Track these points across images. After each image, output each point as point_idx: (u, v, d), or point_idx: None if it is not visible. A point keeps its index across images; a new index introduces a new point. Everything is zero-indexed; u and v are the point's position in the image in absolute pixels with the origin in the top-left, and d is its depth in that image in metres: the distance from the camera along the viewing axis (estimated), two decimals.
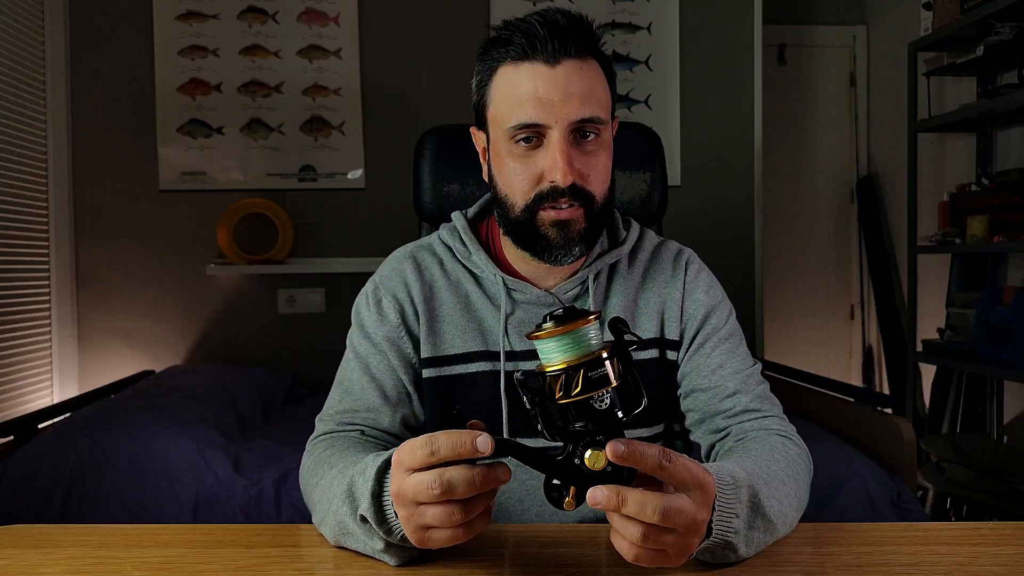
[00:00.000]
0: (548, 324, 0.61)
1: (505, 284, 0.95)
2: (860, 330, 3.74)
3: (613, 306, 0.97)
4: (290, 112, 2.81)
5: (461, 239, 0.99)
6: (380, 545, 0.70)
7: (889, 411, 1.98)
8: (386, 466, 0.69)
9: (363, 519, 0.69)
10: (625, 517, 0.60)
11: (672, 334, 0.98)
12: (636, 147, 1.33)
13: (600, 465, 0.60)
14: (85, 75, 2.76)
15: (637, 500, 0.59)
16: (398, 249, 1.03)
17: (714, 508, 0.65)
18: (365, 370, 0.95)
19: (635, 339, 0.65)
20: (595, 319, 0.62)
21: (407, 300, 0.96)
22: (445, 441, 0.61)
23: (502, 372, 0.94)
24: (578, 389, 0.60)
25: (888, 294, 3.51)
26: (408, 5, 2.84)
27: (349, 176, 2.84)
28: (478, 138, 0.97)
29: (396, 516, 0.66)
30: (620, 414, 0.62)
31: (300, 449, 0.94)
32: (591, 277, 0.96)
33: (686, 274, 1.00)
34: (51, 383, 2.69)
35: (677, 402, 0.99)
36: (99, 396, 2.25)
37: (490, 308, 0.96)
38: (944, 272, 2.95)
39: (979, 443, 2.58)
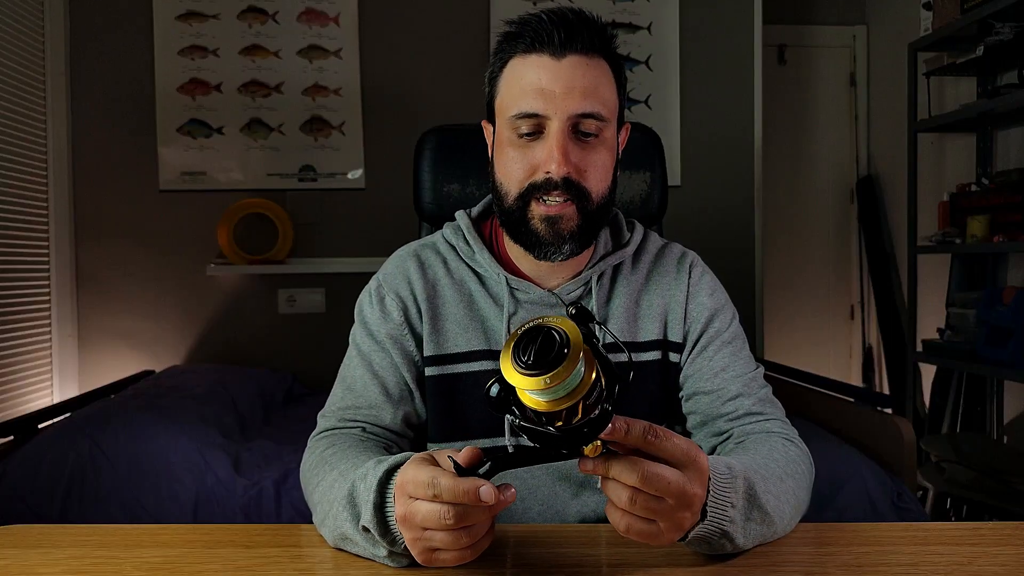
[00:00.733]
0: (526, 373, 0.54)
1: (508, 284, 0.95)
2: (860, 330, 3.74)
3: (616, 307, 0.97)
4: (290, 112, 2.81)
5: (465, 238, 0.99)
6: (383, 552, 0.70)
7: (889, 411, 1.98)
8: (387, 476, 0.69)
9: (365, 529, 0.69)
10: (614, 482, 0.62)
11: (675, 336, 0.98)
12: (636, 147, 1.33)
13: (598, 452, 0.61)
14: (85, 75, 2.76)
15: (621, 463, 0.61)
16: (402, 247, 1.03)
17: (709, 491, 0.66)
18: (368, 367, 0.95)
19: (597, 329, 0.63)
20: (579, 357, 0.55)
21: (410, 298, 0.96)
22: (447, 487, 0.61)
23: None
24: (579, 417, 0.58)
25: (888, 294, 3.51)
26: (408, 5, 2.84)
27: (349, 176, 2.84)
28: (488, 131, 0.98)
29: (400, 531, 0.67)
30: (609, 407, 0.60)
31: (300, 449, 0.94)
32: (594, 278, 0.96)
33: (690, 277, 1.00)
34: (51, 383, 2.69)
35: (679, 404, 0.99)
36: (99, 396, 2.25)
37: (493, 307, 0.96)
38: (944, 272, 2.95)
39: (979, 443, 2.58)
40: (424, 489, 0.62)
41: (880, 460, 1.80)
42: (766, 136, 3.07)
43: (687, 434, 1.02)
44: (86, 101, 2.77)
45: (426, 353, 0.95)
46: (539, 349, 0.55)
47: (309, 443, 0.92)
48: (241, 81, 2.80)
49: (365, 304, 0.98)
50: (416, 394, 0.96)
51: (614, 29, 2.81)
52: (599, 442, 0.60)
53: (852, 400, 2.04)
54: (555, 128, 0.86)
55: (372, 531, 0.68)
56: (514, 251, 0.97)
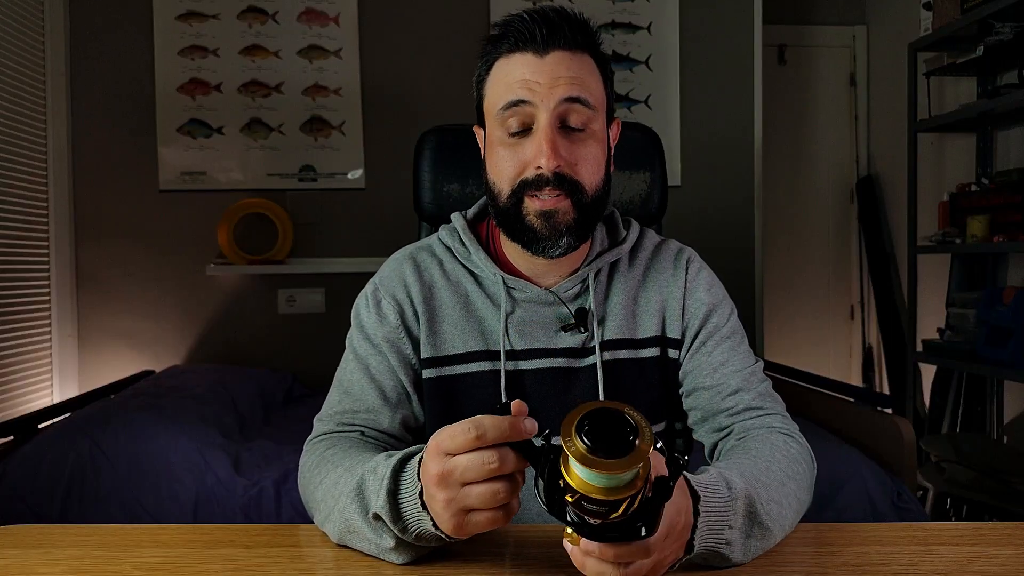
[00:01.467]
0: (583, 443, 0.52)
1: (505, 283, 0.95)
2: (860, 330, 3.74)
3: (613, 304, 0.97)
4: (290, 112, 2.81)
5: (460, 239, 0.99)
6: (390, 543, 0.70)
7: (889, 411, 1.98)
8: (401, 465, 0.69)
9: (376, 517, 0.69)
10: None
11: (673, 333, 0.98)
12: (636, 147, 1.33)
13: (576, 544, 0.58)
14: (85, 75, 2.76)
15: (595, 569, 0.59)
16: (398, 251, 1.03)
17: (696, 528, 0.65)
18: (365, 371, 0.95)
19: (678, 476, 0.58)
20: (637, 467, 0.53)
21: (407, 301, 0.96)
22: (491, 423, 0.60)
23: (503, 371, 0.93)
24: (577, 507, 0.55)
25: (888, 294, 3.51)
26: (408, 5, 2.84)
27: (349, 176, 2.84)
28: (479, 136, 0.98)
29: (415, 513, 0.67)
30: (603, 533, 0.56)
31: (300, 449, 0.94)
32: (591, 275, 0.96)
33: (687, 273, 0.99)
34: (51, 383, 2.69)
35: (678, 401, 0.99)
36: (99, 396, 2.25)
37: (490, 307, 0.96)
38: (944, 272, 2.95)
39: (979, 443, 2.58)
40: (464, 435, 0.60)
41: (880, 460, 1.80)
42: (766, 136, 3.07)
43: (687, 431, 1.02)
44: (86, 101, 2.77)
45: (423, 355, 0.95)
46: (612, 427, 0.53)
47: (306, 447, 0.92)
48: (241, 81, 2.80)
49: (361, 308, 0.98)
50: (414, 397, 0.96)
51: (613, 29, 2.86)
52: (576, 535, 0.57)
53: (852, 400, 2.04)
54: (543, 121, 0.86)
55: (384, 518, 0.68)
56: (510, 250, 0.97)
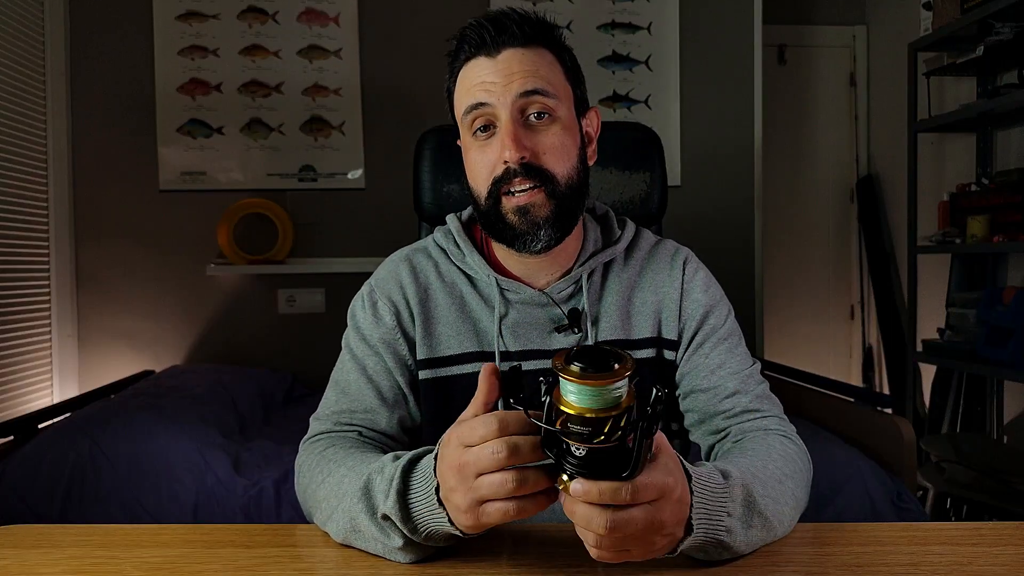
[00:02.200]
0: (575, 366, 0.58)
1: (499, 285, 0.95)
2: (860, 330, 3.74)
3: (607, 305, 0.97)
4: (290, 112, 2.81)
5: (455, 241, 0.99)
6: (398, 543, 0.70)
7: (889, 411, 1.98)
8: (410, 466, 0.70)
9: (385, 518, 0.69)
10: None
11: (670, 334, 0.97)
12: (636, 147, 1.33)
13: (568, 492, 0.60)
14: (85, 75, 2.76)
15: (584, 513, 0.60)
16: (394, 253, 1.03)
17: (693, 506, 0.65)
18: (362, 372, 0.95)
19: (659, 411, 0.61)
20: (621, 379, 0.58)
21: (403, 302, 0.96)
22: (500, 416, 0.62)
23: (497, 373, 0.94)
24: (564, 432, 0.59)
25: (888, 294, 3.51)
26: (408, 5, 2.84)
27: (349, 176, 2.84)
28: (461, 146, 0.99)
29: (428, 512, 0.67)
30: (590, 469, 0.59)
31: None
32: (584, 276, 0.96)
33: (684, 273, 0.99)
34: (51, 383, 2.69)
35: (675, 402, 0.99)
36: (99, 396, 2.25)
37: (484, 309, 0.96)
38: (944, 272, 2.95)
39: (979, 443, 2.58)
40: (485, 427, 0.62)
41: (880, 460, 1.80)
42: (766, 136, 3.07)
43: (684, 432, 1.02)
44: (86, 101, 2.77)
45: (419, 356, 0.95)
46: (596, 355, 0.59)
47: (302, 446, 0.92)
48: (241, 81, 2.80)
49: (358, 309, 0.99)
50: (410, 398, 0.96)
51: (613, 29, 2.86)
52: (568, 479, 0.60)
53: (852, 400, 2.04)
54: (504, 118, 0.88)
55: (393, 518, 0.68)
56: (502, 252, 0.97)
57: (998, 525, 0.81)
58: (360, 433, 0.92)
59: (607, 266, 0.99)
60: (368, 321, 0.96)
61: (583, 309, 0.95)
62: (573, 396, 0.58)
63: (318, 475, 0.83)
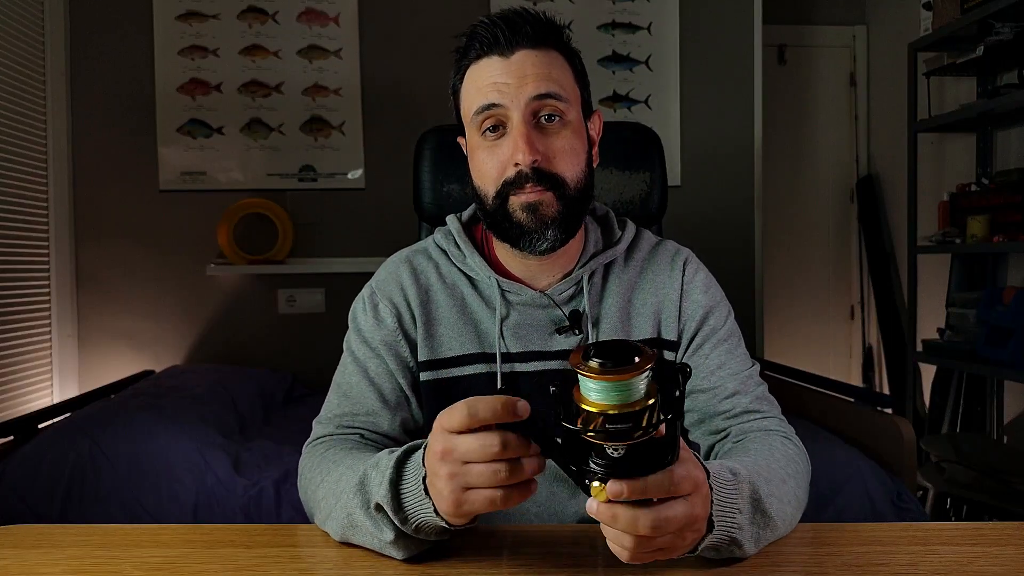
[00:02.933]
0: (594, 362, 0.56)
1: (500, 286, 0.95)
2: (860, 330, 3.74)
3: (608, 306, 0.97)
4: (290, 112, 2.81)
5: (455, 242, 0.99)
6: (390, 536, 0.70)
7: (889, 411, 1.98)
8: (405, 456, 0.70)
9: (378, 508, 0.70)
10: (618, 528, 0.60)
11: (669, 335, 0.97)
12: (636, 147, 1.33)
13: (603, 498, 0.58)
14: (85, 75, 2.76)
15: (628, 513, 0.58)
16: (394, 254, 1.03)
17: (713, 502, 0.65)
18: (363, 374, 0.95)
19: (684, 392, 0.60)
20: (647, 370, 0.55)
21: (403, 304, 0.96)
22: (484, 406, 0.62)
23: (499, 374, 0.93)
24: (601, 433, 0.56)
25: (888, 294, 3.51)
26: (408, 5, 2.84)
27: (349, 176, 2.84)
28: (463, 144, 0.99)
29: (416, 501, 0.67)
30: (629, 468, 0.58)
31: (300, 449, 0.94)
32: (585, 277, 0.96)
33: (684, 274, 0.99)
34: (51, 383, 2.69)
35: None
36: (99, 396, 2.25)
37: (485, 311, 0.96)
38: (944, 272, 2.95)
39: (979, 443, 2.58)
40: (459, 412, 0.62)
41: (880, 460, 1.80)
42: (766, 136, 3.07)
43: (684, 432, 1.02)
44: (86, 101, 2.77)
45: (420, 358, 0.95)
46: (615, 349, 0.57)
47: (305, 449, 0.92)
48: (241, 81, 2.80)
49: (359, 311, 0.98)
50: (413, 400, 0.96)
51: (614, 29, 2.86)
52: (602, 486, 0.58)
53: (852, 400, 2.04)
54: (516, 120, 0.87)
55: (385, 507, 0.68)
56: (503, 253, 0.97)
57: (998, 525, 0.81)
58: (362, 436, 0.92)
59: (608, 267, 0.99)
60: (369, 323, 0.96)
61: (584, 310, 0.95)
62: (598, 394, 0.56)
63: (318, 476, 0.83)
